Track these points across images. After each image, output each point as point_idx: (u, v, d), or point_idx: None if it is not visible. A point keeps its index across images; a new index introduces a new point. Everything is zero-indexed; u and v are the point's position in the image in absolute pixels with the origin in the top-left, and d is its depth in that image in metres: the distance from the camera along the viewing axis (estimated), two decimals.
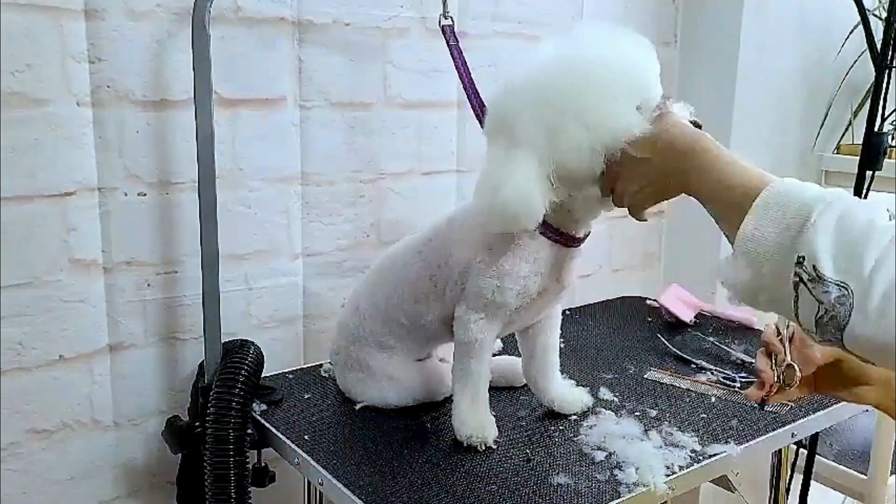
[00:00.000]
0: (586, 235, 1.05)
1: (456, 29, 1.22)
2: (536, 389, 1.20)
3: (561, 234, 1.02)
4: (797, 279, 0.67)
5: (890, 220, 0.67)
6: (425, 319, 1.14)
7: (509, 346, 1.35)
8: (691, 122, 0.89)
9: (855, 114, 1.92)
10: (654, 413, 1.19)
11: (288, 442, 1.10)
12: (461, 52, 1.19)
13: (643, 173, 0.88)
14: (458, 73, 1.18)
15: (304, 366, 1.38)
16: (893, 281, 0.62)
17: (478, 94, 1.14)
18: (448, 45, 1.20)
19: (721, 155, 0.80)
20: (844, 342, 0.66)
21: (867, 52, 1.62)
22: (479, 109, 1.12)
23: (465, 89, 1.16)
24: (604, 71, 0.91)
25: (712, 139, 0.83)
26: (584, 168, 0.91)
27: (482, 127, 1.03)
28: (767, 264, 0.70)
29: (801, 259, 0.67)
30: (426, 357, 1.23)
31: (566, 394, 1.19)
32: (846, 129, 1.94)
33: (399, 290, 1.15)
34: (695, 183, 0.82)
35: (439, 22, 1.22)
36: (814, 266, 0.66)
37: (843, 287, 0.65)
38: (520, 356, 1.22)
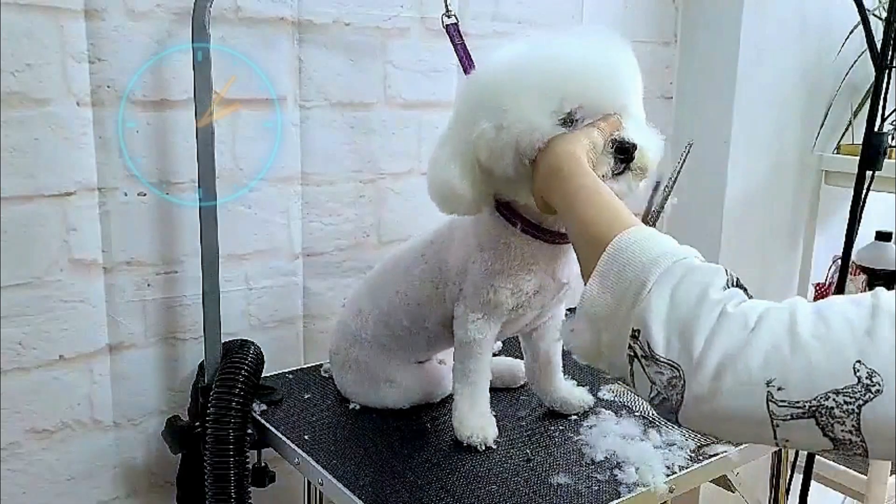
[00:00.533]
0: None
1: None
2: (538, 390, 1.20)
3: (542, 230, 1.00)
4: (632, 353, 0.63)
5: (728, 285, 0.63)
6: (428, 322, 1.14)
7: (510, 348, 1.35)
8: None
9: (855, 114, 1.92)
10: (654, 413, 1.19)
11: (288, 442, 1.10)
12: (468, 52, 1.18)
13: (535, 181, 0.88)
14: (466, 72, 1.17)
15: (304, 366, 1.38)
16: (721, 362, 0.58)
17: None
18: (454, 44, 1.19)
19: (585, 185, 0.78)
20: (680, 423, 0.63)
21: (867, 52, 1.62)
22: None
23: None
24: (528, 75, 0.89)
25: (583, 165, 0.81)
26: (498, 165, 0.91)
27: None
28: (605, 332, 0.66)
29: (636, 332, 0.63)
30: (426, 360, 1.23)
31: (568, 394, 1.19)
32: (846, 129, 1.94)
33: (402, 292, 1.15)
34: (558, 207, 0.81)
35: (442, 21, 1.21)
36: (648, 343, 0.61)
37: (674, 368, 0.60)
38: (518, 357, 1.22)
